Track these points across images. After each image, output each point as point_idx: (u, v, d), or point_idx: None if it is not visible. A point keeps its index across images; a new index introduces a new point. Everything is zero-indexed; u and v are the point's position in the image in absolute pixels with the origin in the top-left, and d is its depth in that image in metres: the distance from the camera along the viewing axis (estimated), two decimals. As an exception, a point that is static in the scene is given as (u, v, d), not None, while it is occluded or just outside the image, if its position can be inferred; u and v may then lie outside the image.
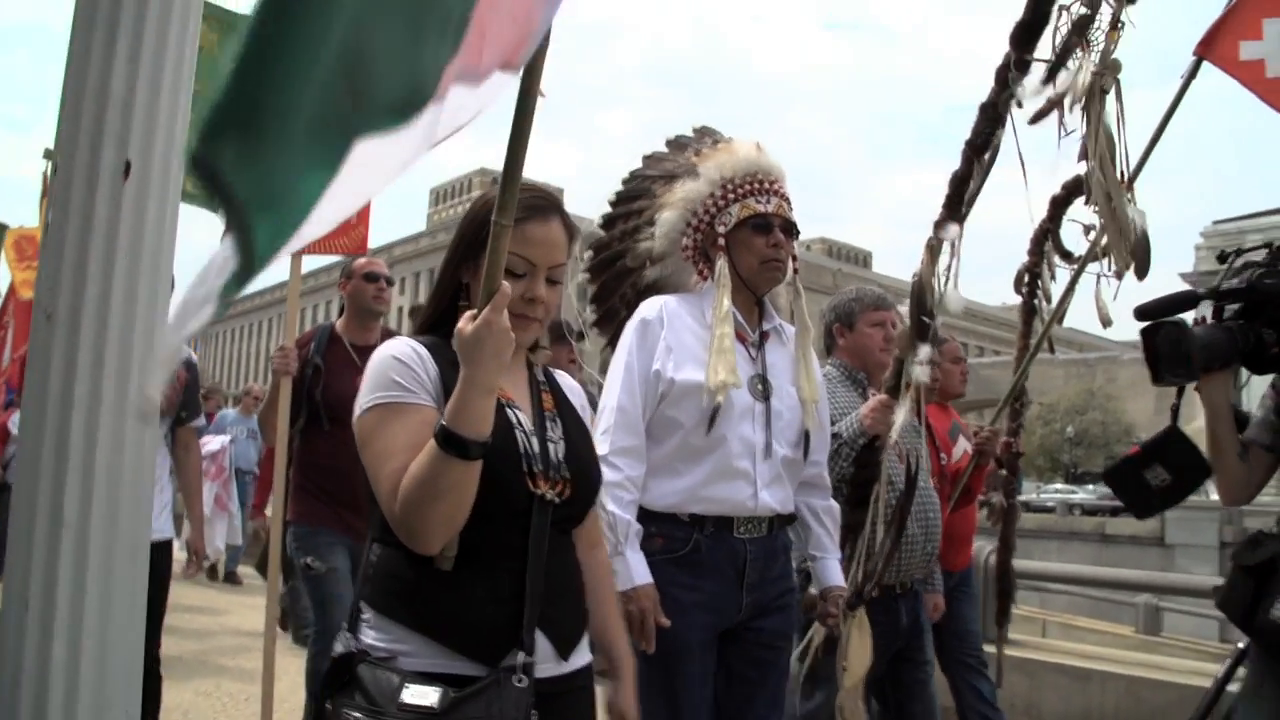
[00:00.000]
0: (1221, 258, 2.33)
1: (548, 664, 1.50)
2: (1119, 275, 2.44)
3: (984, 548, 4.52)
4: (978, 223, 2.42)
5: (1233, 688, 2.36)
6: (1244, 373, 2.31)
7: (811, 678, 2.80)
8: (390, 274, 3.79)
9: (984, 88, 2.27)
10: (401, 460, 1.40)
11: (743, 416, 2.31)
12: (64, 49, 1.03)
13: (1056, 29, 2.21)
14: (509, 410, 1.54)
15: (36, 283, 1.61)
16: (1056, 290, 3.21)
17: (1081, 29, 2.20)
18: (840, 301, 3.27)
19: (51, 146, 1.05)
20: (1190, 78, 3.14)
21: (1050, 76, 2.23)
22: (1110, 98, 2.27)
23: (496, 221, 1.32)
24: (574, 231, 1.64)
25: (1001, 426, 3.52)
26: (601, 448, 2.12)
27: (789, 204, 2.44)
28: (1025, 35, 2.21)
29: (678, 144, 2.71)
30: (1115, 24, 2.25)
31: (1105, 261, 2.51)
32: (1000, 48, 2.23)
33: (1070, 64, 2.23)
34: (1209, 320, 2.27)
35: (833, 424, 2.68)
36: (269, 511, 4.55)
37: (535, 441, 1.55)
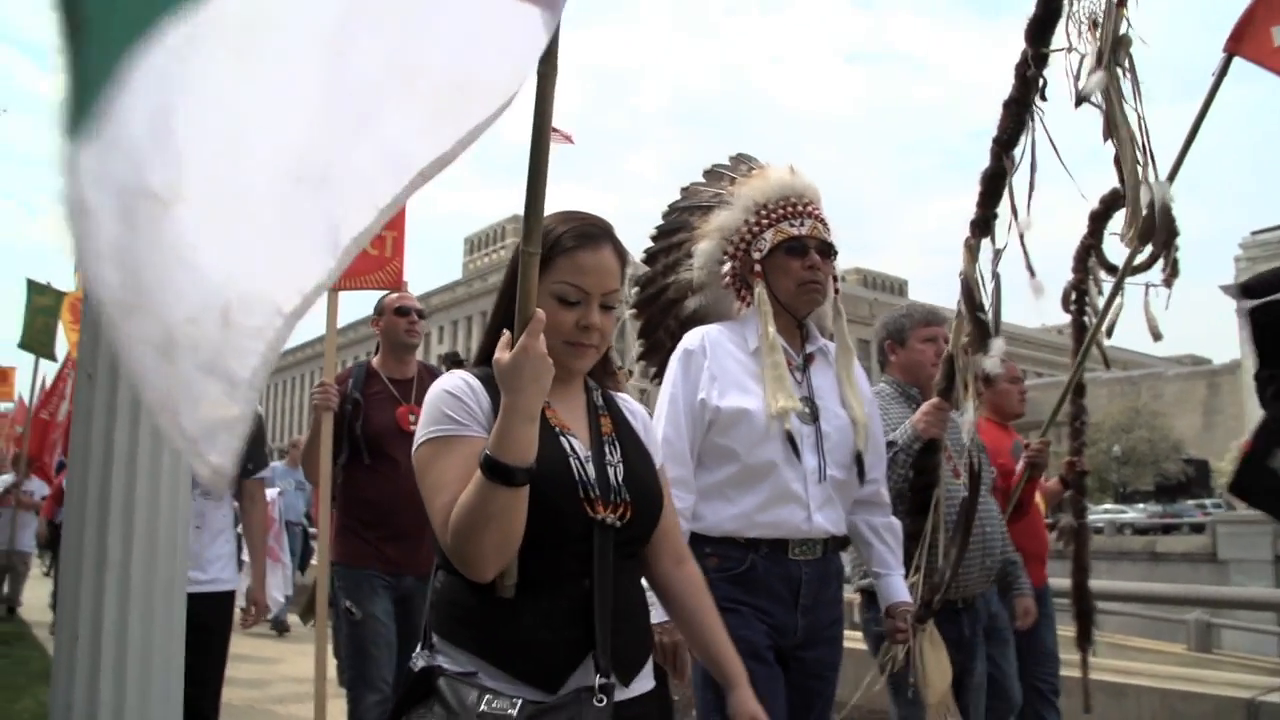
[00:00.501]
0: None
1: None
2: (1168, 283, 2.41)
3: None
4: (1012, 245, 2.36)
5: (1272, 697, 2.26)
6: None
7: (895, 696, 2.81)
8: (421, 306, 3.85)
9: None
10: (453, 491, 1.42)
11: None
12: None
13: (1069, 19, 2.20)
14: (563, 438, 1.54)
15: (79, 345, 1.71)
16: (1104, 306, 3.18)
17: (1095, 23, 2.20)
18: (891, 318, 3.28)
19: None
20: (1221, 75, 2.98)
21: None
22: (1126, 90, 2.24)
23: (524, 249, 1.35)
24: (625, 257, 1.65)
25: (1050, 438, 3.49)
26: None
27: (825, 225, 2.43)
28: (1039, 30, 2.22)
29: (714, 173, 2.75)
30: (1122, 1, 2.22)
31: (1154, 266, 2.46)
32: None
33: (1083, 46, 2.21)
34: None
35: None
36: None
37: (591, 467, 1.54)
